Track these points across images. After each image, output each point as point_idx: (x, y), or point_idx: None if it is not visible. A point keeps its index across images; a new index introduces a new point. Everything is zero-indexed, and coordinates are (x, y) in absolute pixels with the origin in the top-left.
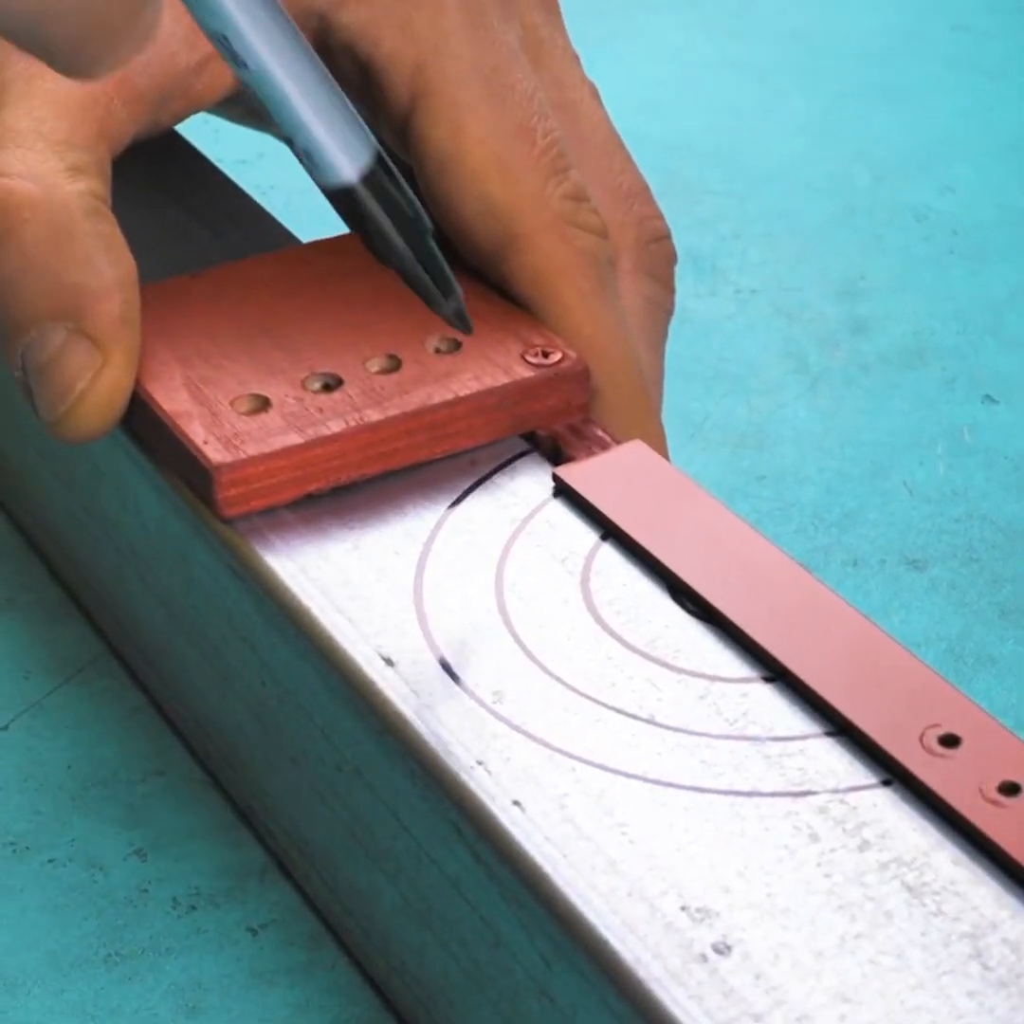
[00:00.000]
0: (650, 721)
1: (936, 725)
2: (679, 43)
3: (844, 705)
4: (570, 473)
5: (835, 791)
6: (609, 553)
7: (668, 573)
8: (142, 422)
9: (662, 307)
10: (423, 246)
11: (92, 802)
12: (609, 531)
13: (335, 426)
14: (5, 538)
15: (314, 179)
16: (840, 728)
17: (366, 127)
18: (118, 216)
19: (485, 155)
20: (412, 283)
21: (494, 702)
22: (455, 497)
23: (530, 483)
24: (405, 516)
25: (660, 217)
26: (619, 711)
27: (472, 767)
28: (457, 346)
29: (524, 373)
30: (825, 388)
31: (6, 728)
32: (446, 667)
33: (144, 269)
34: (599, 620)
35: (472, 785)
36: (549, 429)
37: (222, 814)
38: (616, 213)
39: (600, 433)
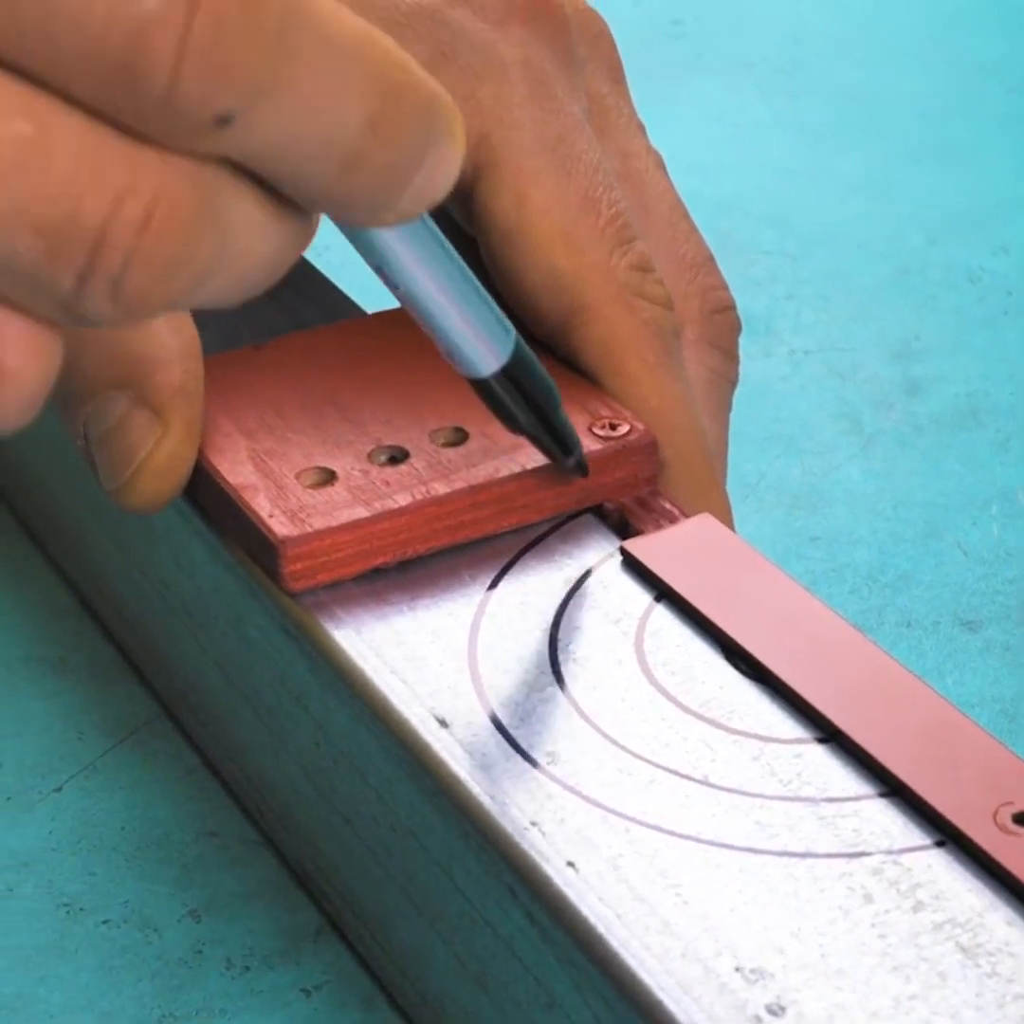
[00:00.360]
0: (704, 782)
1: (1001, 799)
2: (732, 104)
3: (897, 766)
4: (638, 546)
5: (889, 852)
6: (663, 614)
7: (721, 634)
8: (207, 495)
9: (726, 378)
10: (556, 416)
11: (146, 863)
12: (663, 593)
13: (402, 499)
14: (60, 598)
15: (459, 370)
16: (893, 789)
17: (506, 319)
18: None
19: (550, 226)
20: (538, 446)
21: (548, 763)
22: (509, 559)
23: (584, 544)
24: (459, 577)
25: (724, 287)
26: (673, 772)
27: (526, 828)
28: None
29: (592, 445)
30: (879, 449)
31: (60, 789)
32: (500, 728)
33: (208, 342)
34: (653, 681)
35: (526, 846)
36: (617, 502)
37: (276, 875)
38: (680, 283)
39: (668, 506)
